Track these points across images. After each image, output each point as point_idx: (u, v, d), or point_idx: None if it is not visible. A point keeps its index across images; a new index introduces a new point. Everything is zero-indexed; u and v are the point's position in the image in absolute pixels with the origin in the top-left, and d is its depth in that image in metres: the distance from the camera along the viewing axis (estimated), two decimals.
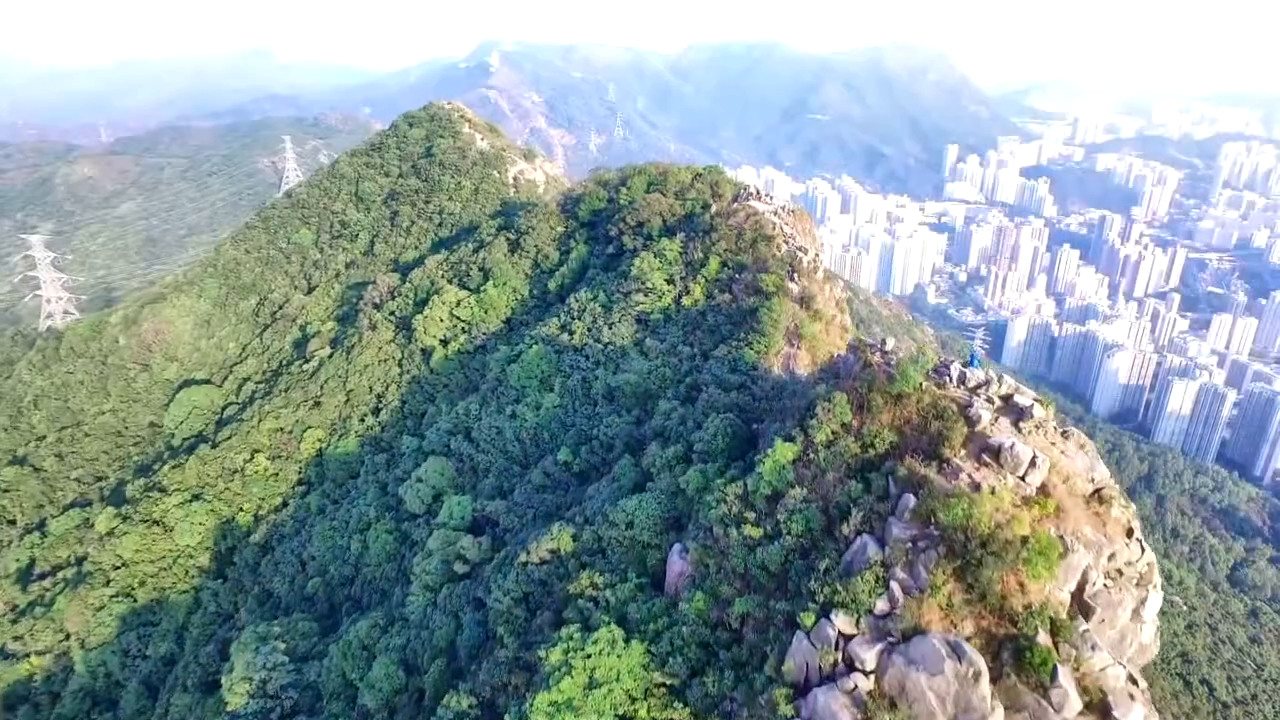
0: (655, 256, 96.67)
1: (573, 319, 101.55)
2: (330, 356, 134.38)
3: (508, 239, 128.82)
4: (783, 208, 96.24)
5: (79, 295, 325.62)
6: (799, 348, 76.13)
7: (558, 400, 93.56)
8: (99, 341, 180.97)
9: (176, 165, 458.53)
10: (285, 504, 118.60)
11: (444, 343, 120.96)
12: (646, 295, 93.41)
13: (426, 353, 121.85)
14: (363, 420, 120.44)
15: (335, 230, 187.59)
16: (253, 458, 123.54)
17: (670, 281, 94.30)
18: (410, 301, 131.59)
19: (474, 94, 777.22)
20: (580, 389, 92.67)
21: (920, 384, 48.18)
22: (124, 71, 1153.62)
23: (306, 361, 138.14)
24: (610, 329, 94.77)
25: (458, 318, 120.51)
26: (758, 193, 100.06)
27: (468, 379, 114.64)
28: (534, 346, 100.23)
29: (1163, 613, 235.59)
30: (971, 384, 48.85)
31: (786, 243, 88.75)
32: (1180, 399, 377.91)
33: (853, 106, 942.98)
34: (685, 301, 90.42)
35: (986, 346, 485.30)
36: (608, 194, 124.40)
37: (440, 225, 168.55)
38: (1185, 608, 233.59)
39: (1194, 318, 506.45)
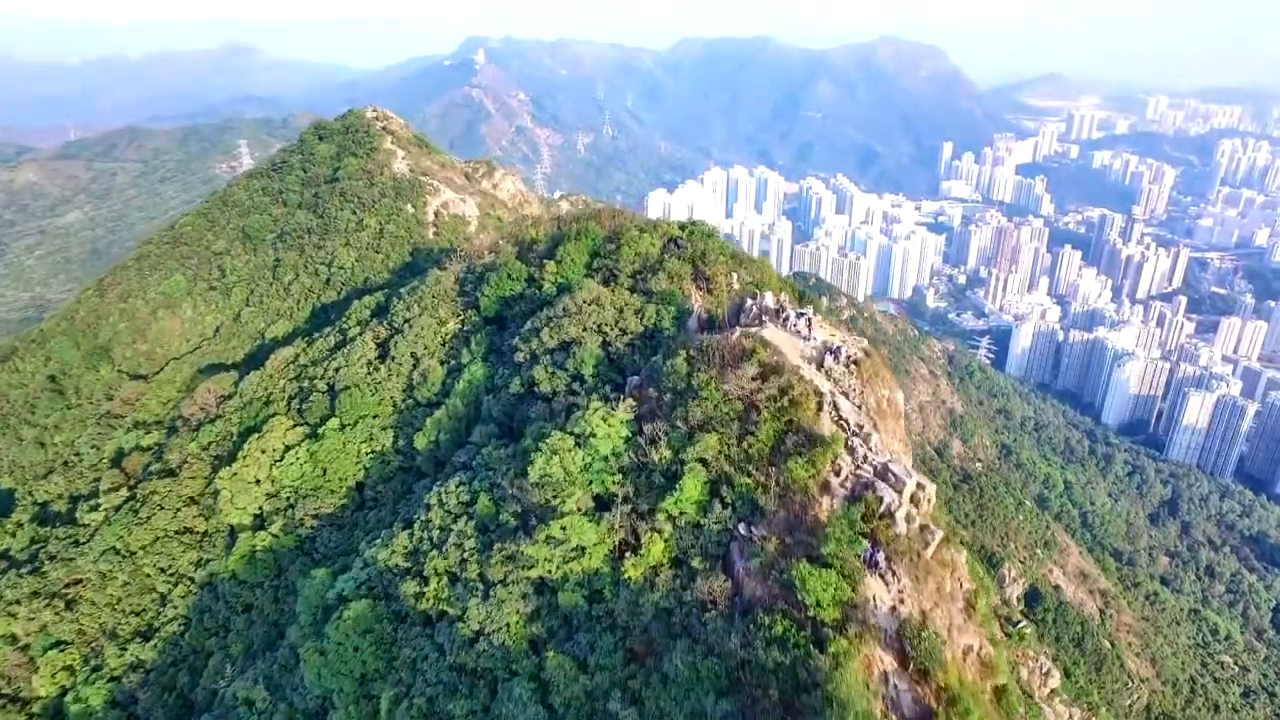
0: (579, 444, 45.55)
1: (431, 545, 50.55)
2: (119, 510, 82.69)
3: (376, 337, 77.46)
4: (835, 351, 44.24)
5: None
6: None
7: None
8: None
9: (130, 170, 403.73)
10: None
11: (259, 523, 69.82)
12: (554, 544, 42.26)
13: (233, 536, 70.90)
14: (124, 650, 69.20)
15: (213, 279, 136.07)
16: None
17: (599, 517, 42.99)
18: (235, 430, 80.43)
19: (458, 92, 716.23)
20: None
21: None
22: (104, 68, 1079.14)
23: (94, 508, 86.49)
24: (487, 596, 44.08)
25: (281, 483, 69.27)
26: (779, 306, 48.70)
27: (278, 605, 63.84)
28: (357, 605, 49.37)
29: (1215, 678, 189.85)
30: None
31: (853, 451, 37.86)
32: (1197, 412, 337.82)
33: (845, 104, 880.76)
34: (630, 571, 39.47)
35: (991, 356, 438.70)
36: (528, 269, 72.86)
37: (327, 283, 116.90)
38: (1236, 668, 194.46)
39: (1199, 319, 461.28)
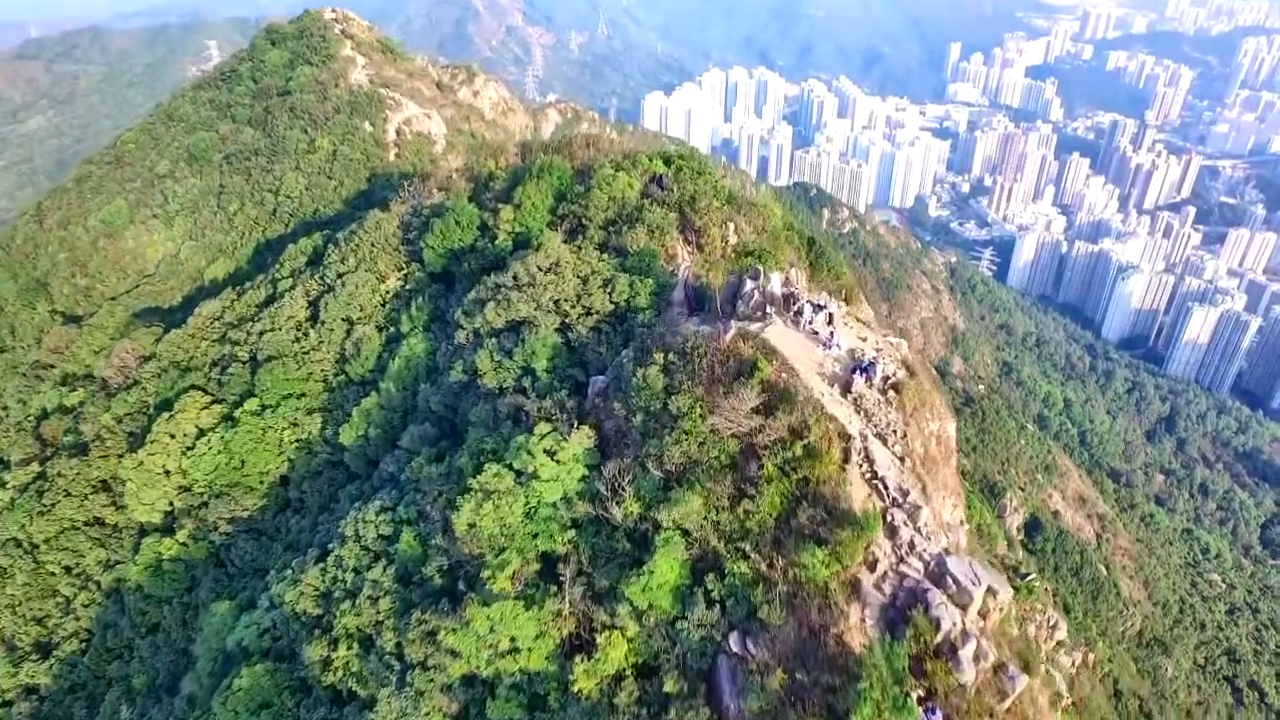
0: (520, 485, 33.72)
1: (345, 594, 39.43)
2: (25, 490, 71.60)
3: (308, 294, 64.57)
4: (867, 369, 31.74)
5: None
6: None
7: None
8: None
9: (94, 74, 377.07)
10: None
11: (169, 521, 58.81)
12: (476, 636, 30.94)
13: (141, 534, 60.01)
14: (18, 668, 59.46)
15: (155, 205, 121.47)
16: None
17: (543, 593, 31.65)
18: (152, 401, 68.50)
19: None
20: None
21: None
22: None
23: (1, 485, 75.26)
24: (403, 682, 33.42)
25: (193, 476, 57.86)
26: (790, 291, 36.22)
27: (186, 630, 53.50)
28: (252, 672, 38.76)
29: (1203, 596, 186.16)
30: None
31: (894, 533, 26.33)
32: (1199, 327, 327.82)
33: (849, 1, 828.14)
34: (581, 680, 28.51)
35: (994, 267, 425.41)
36: (482, 213, 59.43)
37: (274, 214, 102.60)
38: (1224, 585, 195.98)
39: (1207, 230, 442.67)
